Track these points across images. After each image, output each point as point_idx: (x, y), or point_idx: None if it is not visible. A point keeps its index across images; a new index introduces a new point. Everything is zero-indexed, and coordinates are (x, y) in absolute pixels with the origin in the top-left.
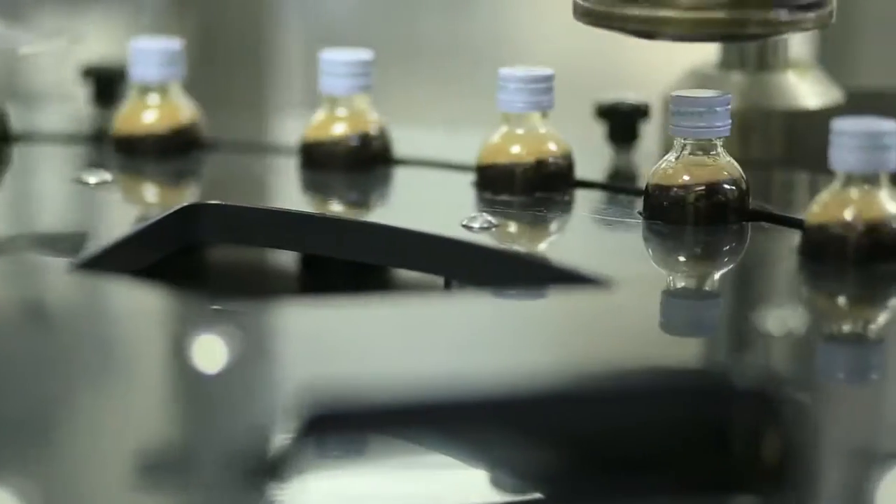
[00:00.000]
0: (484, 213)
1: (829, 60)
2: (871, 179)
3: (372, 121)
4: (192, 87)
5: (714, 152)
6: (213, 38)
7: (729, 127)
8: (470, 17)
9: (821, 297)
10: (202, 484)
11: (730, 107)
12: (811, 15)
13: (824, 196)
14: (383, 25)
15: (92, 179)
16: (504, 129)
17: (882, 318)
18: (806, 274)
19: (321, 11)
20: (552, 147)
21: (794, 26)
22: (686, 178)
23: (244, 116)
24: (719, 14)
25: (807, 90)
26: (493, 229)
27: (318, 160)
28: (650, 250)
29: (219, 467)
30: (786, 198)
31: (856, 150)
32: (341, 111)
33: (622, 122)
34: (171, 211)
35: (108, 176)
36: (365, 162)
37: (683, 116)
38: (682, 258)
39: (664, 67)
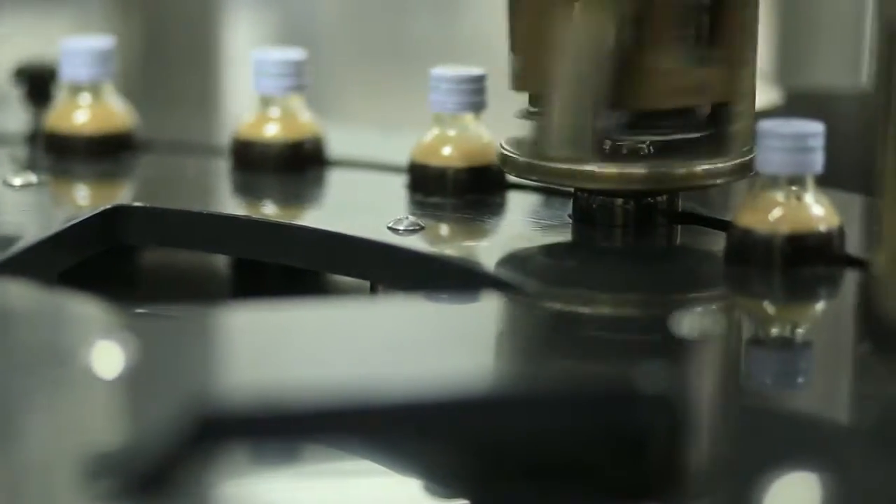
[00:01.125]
0: (410, 216)
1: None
2: (797, 181)
3: (305, 122)
4: (135, 86)
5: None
6: (159, 37)
7: None
8: (414, 17)
9: (743, 300)
10: (106, 491)
11: None
12: (728, 166)
13: (749, 199)
14: (332, 26)
15: (17, 181)
16: (436, 130)
17: (803, 322)
18: (730, 277)
19: (267, 12)
20: (484, 149)
21: (716, 177)
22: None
23: (185, 116)
24: (640, 170)
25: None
26: (420, 232)
27: (250, 161)
28: (578, 254)
29: (123, 474)
30: (720, 200)
31: (781, 152)
32: (274, 112)
33: None
34: (94, 213)
35: (33, 178)
36: (297, 163)
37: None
38: (609, 262)
39: None
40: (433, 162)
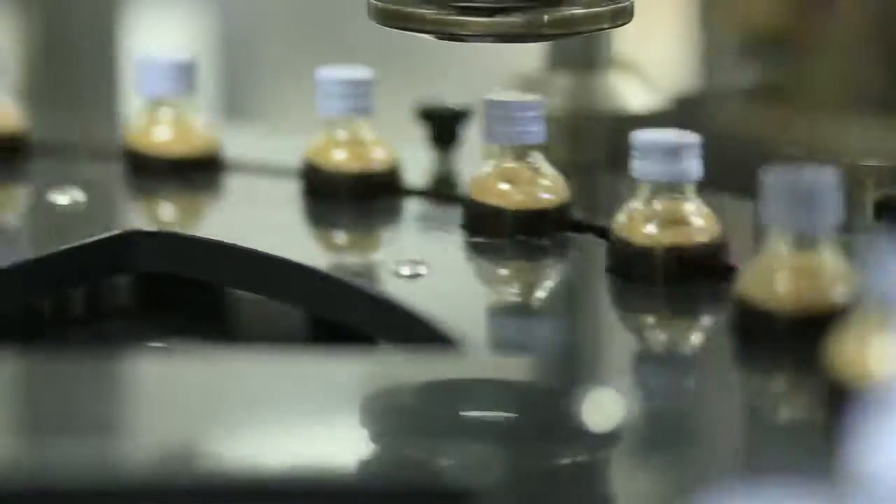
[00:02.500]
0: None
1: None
2: (675, 189)
3: (199, 125)
4: (34, 86)
5: (531, 160)
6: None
7: (542, 133)
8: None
9: (622, 313)
10: None
11: (542, 112)
12: (607, 11)
13: (628, 209)
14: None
15: None
16: (326, 133)
17: (679, 335)
18: (610, 289)
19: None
20: (375, 153)
21: (591, 24)
22: (504, 187)
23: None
24: (514, 15)
25: (633, 93)
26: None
27: (144, 167)
28: (466, 264)
29: None
30: (609, 207)
31: (657, 162)
32: (165, 114)
33: (443, 125)
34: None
35: None
36: (191, 168)
37: (496, 122)
38: (501, 271)
39: (494, 69)
40: (324, 166)
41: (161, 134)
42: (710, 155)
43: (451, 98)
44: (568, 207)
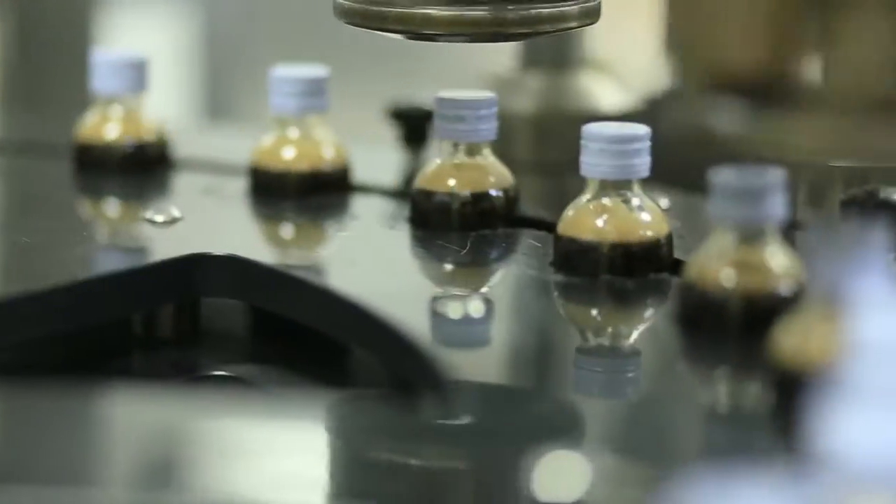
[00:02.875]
0: (172, 207)
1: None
2: (622, 186)
3: (148, 123)
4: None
5: (481, 156)
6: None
7: (494, 130)
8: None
9: (567, 306)
10: None
11: (494, 110)
12: (574, 10)
13: (575, 204)
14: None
15: None
16: (277, 132)
17: (623, 328)
18: (556, 284)
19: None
20: (326, 152)
21: (558, 22)
22: (451, 182)
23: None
24: (480, 12)
25: (603, 93)
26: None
27: (92, 163)
28: (412, 260)
29: None
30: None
31: (606, 156)
32: (116, 112)
33: (413, 125)
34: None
35: None
36: (141, 165)
37: (447, 119)
38: (448, 267)
39: (467, 69)
40: (274, 165)
41: (111, 131)
42: (680, 152)
43: (423, 98)
44: (514, 201)
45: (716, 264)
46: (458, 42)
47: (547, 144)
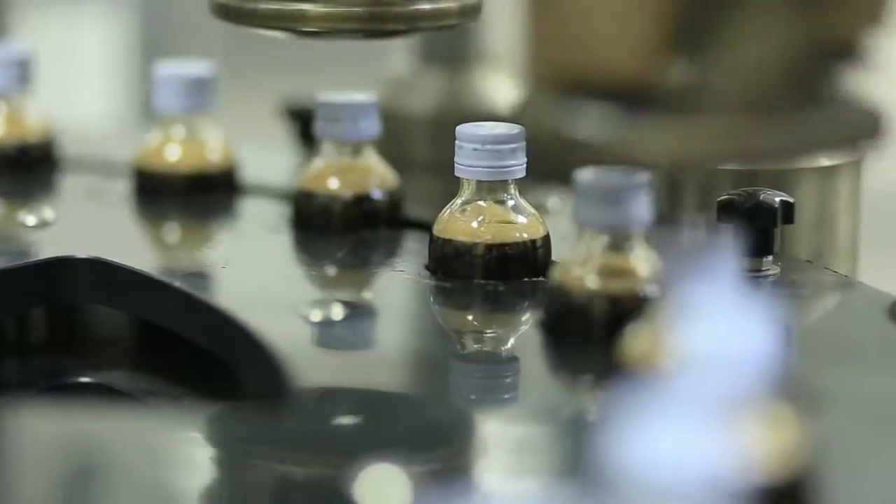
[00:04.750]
0: (46, 209)
1: None
2: (498, 188)
3: (33, 123)
4: None
5: (363, 157)
6: None
7: (376, 131)
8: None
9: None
10: None
11: (375, 111)
12: (453, 6)
13: (450, 206)
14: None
15: None
16: (162, 131)
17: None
18: (430, 286)
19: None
20: (212, 152)
21: (438, 20)
22: (333, 184)
23: None
24: (357, 9)
25: (500, 91)
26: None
27: None
28: (288, 263)
29: None
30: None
31: (480, 157)
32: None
33: (309, 124)
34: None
35: None
36: (24, 166)
37: (328, 120)
38: (324, 270)
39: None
40: (158, 166)
41: None
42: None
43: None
44: (399, 201)
45: (579, 268)
46: (339, 39)
47: (442, 144)
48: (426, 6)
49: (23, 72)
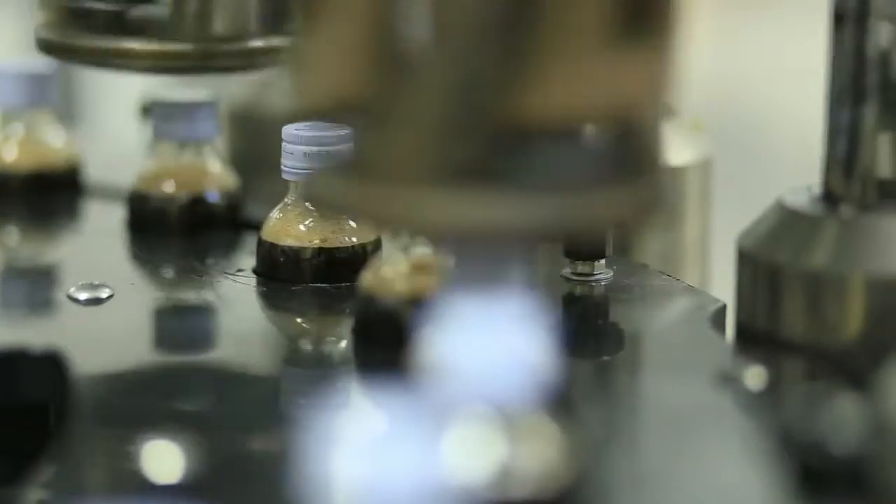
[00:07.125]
0: None
1: None
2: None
3: None
4: None
5: (201, 158)
6: None
7: (214, 131)
8: None
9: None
10: None
11: (213, 111)
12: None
13: (279, 208)
14: None
15: None
16: (2, 129)
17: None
18: (258, 288)
19: None
20: (54, 150)
21: (272, 55)
22: (168, 185)
23: None
24: (186, 46)
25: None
26: None
27: None
28: (119, 265)
29: None
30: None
31: (306, 158)
32: None
33: None
34: None
35: None
36: None
37: (164, 120)
38: (155, 273)
39: None
40: None
41: None
42: None
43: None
44: (238, 204)
45: (388, 273)
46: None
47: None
48: (259, 43)
49: None
